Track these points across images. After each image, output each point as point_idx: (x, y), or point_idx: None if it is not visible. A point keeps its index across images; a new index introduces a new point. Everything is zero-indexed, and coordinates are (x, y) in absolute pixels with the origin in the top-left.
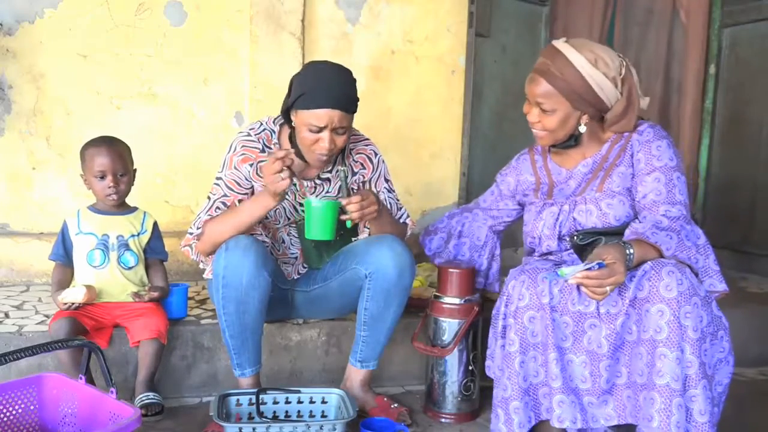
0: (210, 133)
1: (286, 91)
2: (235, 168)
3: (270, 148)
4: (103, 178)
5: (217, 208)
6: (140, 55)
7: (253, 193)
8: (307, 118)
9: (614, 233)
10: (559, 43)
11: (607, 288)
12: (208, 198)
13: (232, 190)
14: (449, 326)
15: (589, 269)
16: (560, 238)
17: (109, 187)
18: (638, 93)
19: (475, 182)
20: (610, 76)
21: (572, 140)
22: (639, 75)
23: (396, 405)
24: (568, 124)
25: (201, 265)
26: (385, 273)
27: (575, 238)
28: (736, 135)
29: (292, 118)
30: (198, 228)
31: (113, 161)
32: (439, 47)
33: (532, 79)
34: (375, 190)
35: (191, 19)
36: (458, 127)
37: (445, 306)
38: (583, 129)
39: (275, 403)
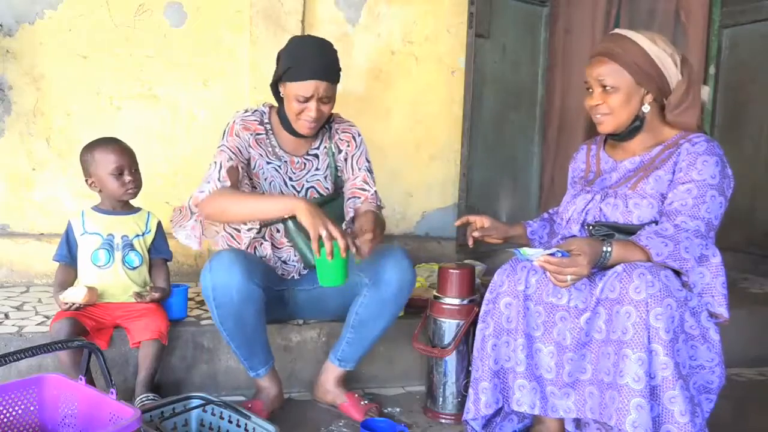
0: (210, 133)
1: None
2: (237, 135)
3: (268, 123)
4: (120, 174)
5: (223, 170)
6: (140, 56)
7: (248, 164)
8: (295, 89)
9: (630, 232)
10: (620, 29)
11: (568, 277)
12: (214, 164)
13: (236, 155)
14: (449, 327)
15: (551, 255)
16: (583, 225)
17: (129, 182)
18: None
19: (475, 183)
20: (669, 52)
21: (637, 121)
22: None
23: (366, 402)
24: (631, 103)
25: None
26: (387, 286)
27: (591, 228)
28: (736, 135)
29: (281, 90)
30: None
31: (127, 156)
32: (438, 48)
33: (594, 61)
34: (357, 167)
35: (191, 20)
36: (458, 128)
37: (445, 307)
38: (646, 109)
39: (221, 418)
